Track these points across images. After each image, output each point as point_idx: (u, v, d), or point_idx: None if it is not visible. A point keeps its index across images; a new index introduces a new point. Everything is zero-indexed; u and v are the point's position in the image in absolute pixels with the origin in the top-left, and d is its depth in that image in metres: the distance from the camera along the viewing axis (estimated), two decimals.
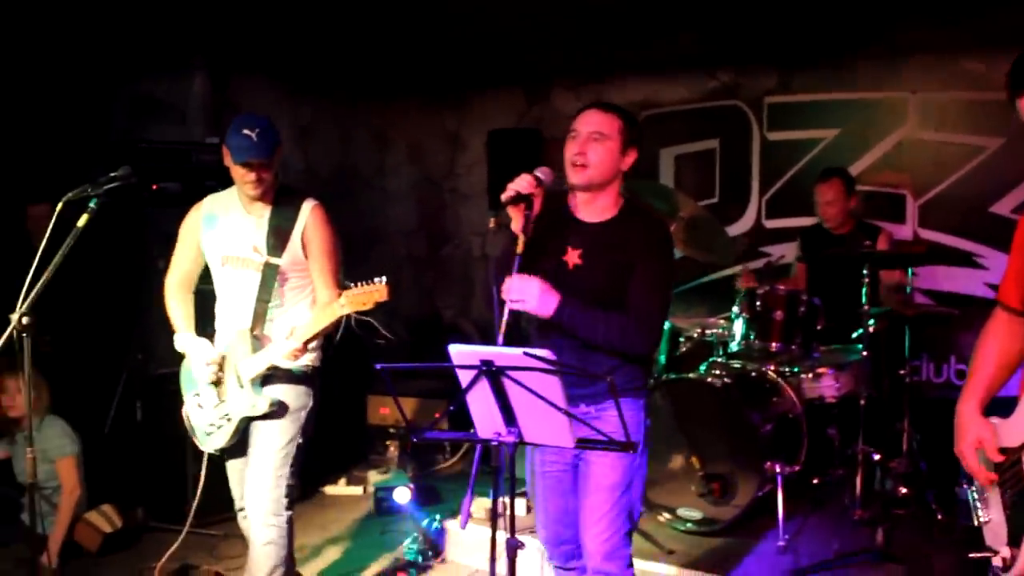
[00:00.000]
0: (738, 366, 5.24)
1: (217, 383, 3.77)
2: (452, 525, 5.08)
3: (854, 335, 5.27)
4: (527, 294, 3.00)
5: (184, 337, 3.85)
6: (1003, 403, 2.53)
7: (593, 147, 3.14)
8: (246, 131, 3.59)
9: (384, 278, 3.34)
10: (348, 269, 3.83)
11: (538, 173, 3.10)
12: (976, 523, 2.59)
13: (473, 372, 2.54)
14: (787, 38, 6.44)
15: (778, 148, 6.78)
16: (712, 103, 7.05)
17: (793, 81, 6.72)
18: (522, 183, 3.05)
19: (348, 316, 3.50)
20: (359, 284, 3.38)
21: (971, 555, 2.53)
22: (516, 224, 3.05)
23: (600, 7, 6.21)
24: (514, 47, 7.28)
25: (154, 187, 5.48)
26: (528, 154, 7.39)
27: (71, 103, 6.22)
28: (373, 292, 3.34)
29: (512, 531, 2.82)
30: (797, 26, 6.31)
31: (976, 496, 2.60)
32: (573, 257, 3.20)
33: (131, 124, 6.49)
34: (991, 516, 2.52)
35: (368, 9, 6.38)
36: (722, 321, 5.56)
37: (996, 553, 2.45)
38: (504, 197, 3.05)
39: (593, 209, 3.24)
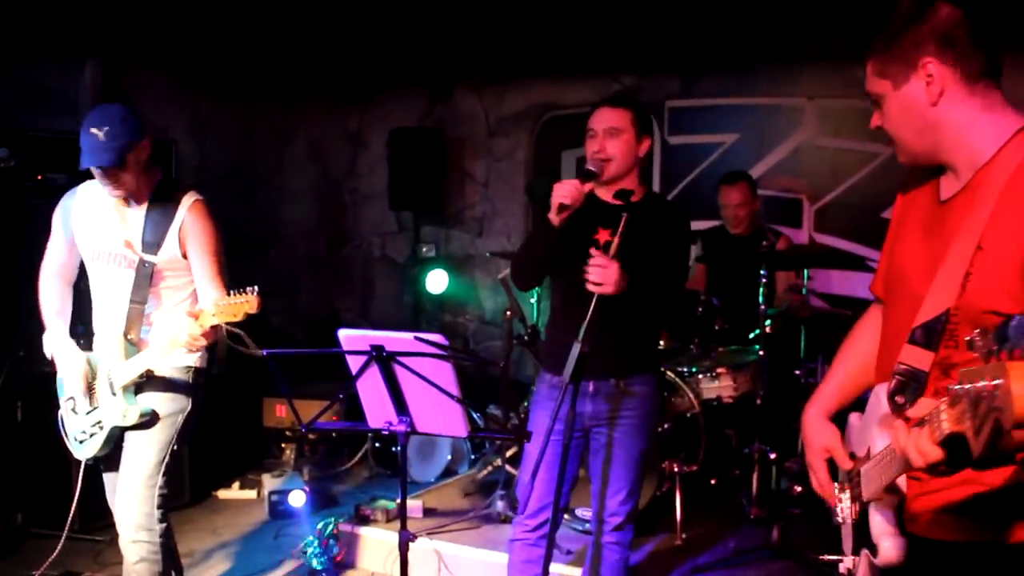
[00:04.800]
0: None
1: (89, 391, 3.56)
2: (347, 528, 4.99)
3: (751, 335, 5.33)
4: (608, 278, 3.07)
5: (53, 337, 3.60)
6: None
7: (611, 142, 3.35)
8: (93, 130, 3.28)
9: (255, 288, 3.12)
10: (244, 270, 3.64)
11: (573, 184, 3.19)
12: (835, 522, 2.36)
13: (363, 358, 2.47)
14: (689, 43, 6.52)
15: (679, 152, 6.83)
16: None
17: (694, 85, 6.78)
18: (566, 193, 3.14)
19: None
20: (232, 293, 3.15)
21: (821, 557, 2.44)
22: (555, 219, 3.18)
23: (504, 9, 6.21)
24: (418, 47, 7.23)
25: (39, 177, 5.27)
26: (430, 154, 7.33)
27: None
28: (243, 304, 3.11)
29: (403, 525, 2.76)
30: (699, 31, 6.40)
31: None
32: (604, 236, 3.38)
33: (18, 112, 6.25)
34: (845, 519, 2.30)
35: (270, 6, 6.28)
36: None
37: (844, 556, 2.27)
38: (554, 209, 3.15)
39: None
